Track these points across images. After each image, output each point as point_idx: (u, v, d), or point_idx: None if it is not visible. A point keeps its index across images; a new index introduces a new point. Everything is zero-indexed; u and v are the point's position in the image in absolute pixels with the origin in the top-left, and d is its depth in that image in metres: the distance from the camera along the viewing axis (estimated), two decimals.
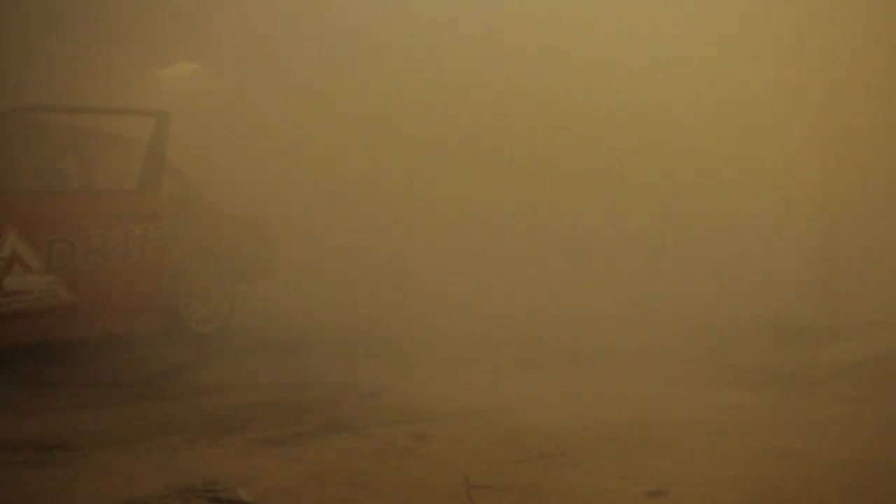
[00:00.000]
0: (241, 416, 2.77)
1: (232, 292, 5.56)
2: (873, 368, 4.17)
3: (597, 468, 2.08)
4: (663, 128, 7.09)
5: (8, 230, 3.88)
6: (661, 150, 7.11)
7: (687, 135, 6.86)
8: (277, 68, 9.03)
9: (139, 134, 5.07)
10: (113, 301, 4.44)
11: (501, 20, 7.68)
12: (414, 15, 7.93)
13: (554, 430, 2.55)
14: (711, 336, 5.52)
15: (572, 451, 2.26)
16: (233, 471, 2.00)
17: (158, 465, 2.06)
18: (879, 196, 5.88)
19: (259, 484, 1.89)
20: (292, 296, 7.73)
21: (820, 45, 5.92)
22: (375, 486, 1.90)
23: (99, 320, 4.41)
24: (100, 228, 4.34)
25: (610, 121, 7.37)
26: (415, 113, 8.49)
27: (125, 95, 7.77)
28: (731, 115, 6.50)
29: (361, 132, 8.93)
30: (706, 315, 6.07)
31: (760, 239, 6.45)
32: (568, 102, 7.54)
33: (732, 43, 6.46)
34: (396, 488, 1.88)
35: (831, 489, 1.92)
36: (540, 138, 7.88)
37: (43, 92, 6.97)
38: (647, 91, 7.07)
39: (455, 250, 8.17)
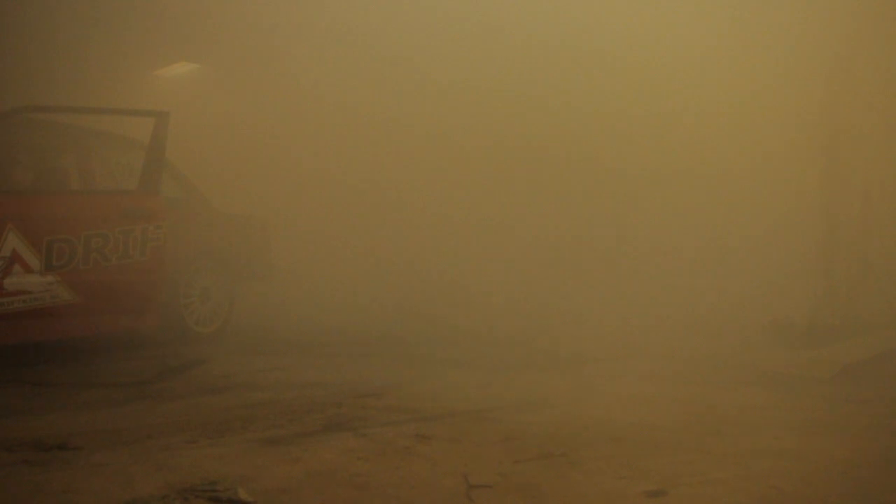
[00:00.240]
0: (241, 416, 2.77)
1: (232, 292, 5.57)
2: (873, 368, 4.17)
3: (597, 468, 2.08)
4: (663, 128, 7.08)
5: (8, 230, 3.88)
6: (661, 151, 7.11)
7: (686, 135, 6.86)
8: (277, 68, 9.03)
9: (139, 134, 5.08)
10: (113, 301, 4.44)
11: (509, 18, 7.68)
12: (418, 12, 7.93)
13: (554, 430, 2.55)
14: (711, 336, 5.52)
15: (572, 451, 2.26)
16: (233, 471, 2.00)
17: (158, 465, 2.06)
18: (879, 196, 5.88)
19: (259, 484, 1.89)
20: (292, 296, 7.73)
21: (819, 46, 5.91)
22: (375, 486, 1.90)
23: (99, 320, 4.41)
24: (100, 228, 4.34)
25: (609, 121, 7.37)
26: (416, 111, 8.49)
27: (125, 95, 7.78)
28: (731, 116, 6.50)
29: (362, 131, 8.93)
30: (706, 315, 6.07)
31: (760, 239, 6.45)
32: (571, 104, 7.55)
33: (731, 45, 6.46)
34: (396, 488, 1.88)
35: (831, 489, 1.92)
36: (545, 137, 7.88)
37: (43, 92, 6.98)
38: (647, 91, 7.07)
39: (457, 249, 8.17)
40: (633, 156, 7.33)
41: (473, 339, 5.65)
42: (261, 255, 6.16)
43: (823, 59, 5.96)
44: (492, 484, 1.92)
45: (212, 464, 2.07)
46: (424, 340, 5.51)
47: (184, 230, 5.06)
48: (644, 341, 5.42)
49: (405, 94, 8.57)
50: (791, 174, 6.25)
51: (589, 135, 7.57)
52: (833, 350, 4.65)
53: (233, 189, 7.26)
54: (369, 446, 2.30)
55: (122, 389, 3.42)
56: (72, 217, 4.25)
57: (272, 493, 1.83)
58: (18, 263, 3.92)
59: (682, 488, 1.90)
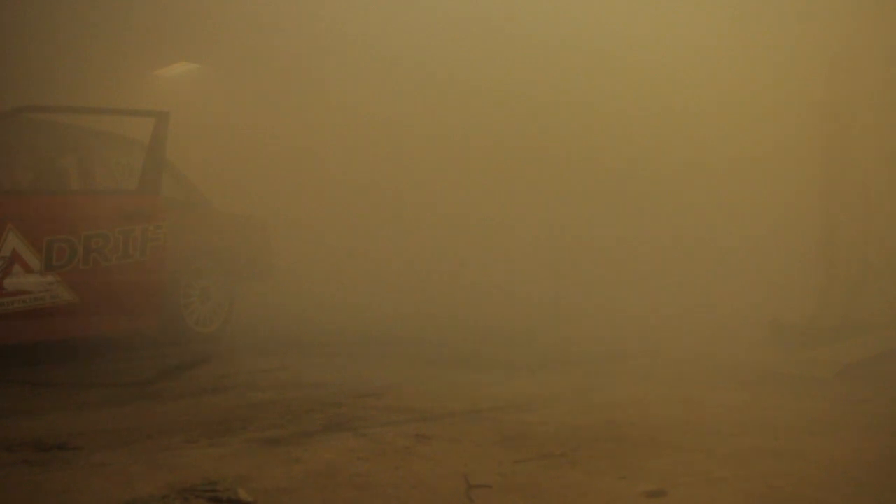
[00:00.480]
0: (241, 416, 2.77)
1: (232, 292, 5.57)
2: (873, 368, 4.17)
3: (597, 468, 2.08)
4: (662, 128, 7.08)
5: (8, 230, 3.88)
6: (660, 151, 7.11)
7: (684, 135, 6.86)
8: (278, 68, 9.03)
9: (139, 134, 5.08)
10: (113, 301, 4.44)
11: (509, 18, 7.68)
12: (418, 12, 7.93)
13: (554, 430, 2.55)
14: (711, 336, 5.52)
15: (572, 451, 2.26)
16: (233, 471, 2.00)
17: (158, 465, 2.06)
18: (879, 196, 5.88)
19: (259, 484, 1.89)
20: (292, 296, 7.73)
21: (819, 46, 5.91)
22: (375, 486, 1.90)
23: (99, 320, 4.41)
24: (100, 228, 4.34)
25: (610, 120, 7.37)
26: (416, 111, 8.49)
27: (125, 95, 7.78)
28: (730, 116, 6.50)
29: (362, 131, 8.94)
30: (706, 315, 6.07)
31: (760, 239, 6.46)
32: (572, 103, 7.55)
33: (730, 45, 6.46)
34: (396, 488, 1.88)
35: (831, 489, 1.92)
36: (545, 136, 7.89)
37: (43, 92, 6.98)
38: (647, 91, 7.07)
39: (457, 249, 8.17)
40: (632, 156, 7.33)
41: (474, 338, 5.65)
42: (261, 255, 6.15)
43: (823, 59, 5.95)
44: (492, 484, 1.92)
45: (212, 464, 2.07)
46: (424, 340, 5.51)
47: (184, 230, 5.06)
48: (642, 341, 5.42)
49: (405, 94, 8.58)
50: (791, 174, 6.25)
51: (589, 134, 7.57)
52: (833, 350, 4.65)
53: (233, 189, 7.25)
54: (369, 446, 2.30)
55: (122, 389, 3.42)
56: (72, 217, 4.25)
57: (272, 493, 1.82)
58: (18, 263, 3.92)
59: (682, 488, 1.90)
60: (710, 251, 6.77)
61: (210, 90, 9.79)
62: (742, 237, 6.62)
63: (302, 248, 8.01)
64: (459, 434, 2.48)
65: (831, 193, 5.85)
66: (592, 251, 7.47)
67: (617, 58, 7.19)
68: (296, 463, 2.10)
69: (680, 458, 2.20)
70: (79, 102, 5.79)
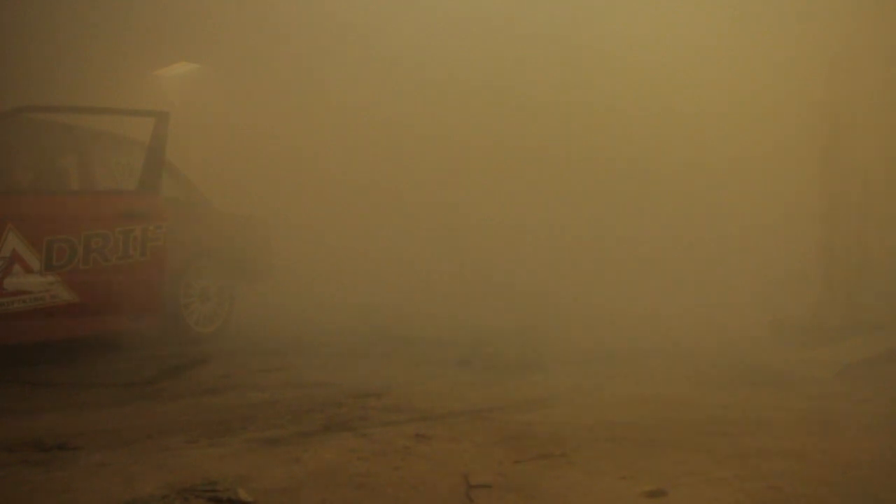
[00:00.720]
0: (241, 416, 2.77)
1: (232, 292, 5.57)
2: (873, 368, 4.17)
3: (597, 468, 2.08)
4: (661, 128, 7.08)
5: (8, 230, 3.88)
6: (659, 150, 7.11)
7: (684, 135, 6.86)
8: (278, 68, 9.03)
9: (139, 134, 5.08)
10: (113, 301, 4.44)
11: (511, 17, 7.68)
12: (419, 12, 7.94)
13: (554, 430, 2.55)
14: (712, 335, 5.52)
15: (572, 451, 2.26)
16: (233, 471, 2.00)
17: (158, 465, 2.06)
18: (879, 196, 5.88)
19: (259, 484, 1.89)
20: (292, 296, 7.73)
21: (819, 45, 5.91)
22: (375, 486, 1.90)
23: (99, 320, 4.41)
24: (100, 228, 4.34)
25: (610, 120, 7.37)
26: (416, 111, 8.49)
27: (125, 95, 7.78)
28: (730, 116, 6.50)
29: (363, 130, 8.94)
30: (707, 315, 6.07)
31: (761, 239, 6.46)
32: (574, 103, 7.55)
33: (731, 43, 6.46)
34: (396, 488, 1.88)
35: (831, 489, 1.92)
36: (546, 136, 7.88)
37: (43, 92, 6.98)
38: (648, 90, 7.07)
39: (457, 250, 8.17)
40: (632, 156, 7.33)
41: (474, 338, 5.65)
42: (261, 255, 6.16)
43: (823, 59, 5.95)
44: (492, 484, 1.92)
45: (212, 464, 2.07)
46: (424, 340, 5.51)
47: (184, 230, 5.06)
48: (642, 341, 5.42)
49: (405, 94, 8.57)
50: (791, 174, 6.25)
51: (589, 134, 7.57)
52: (833, 350, 4.65)
53: (233, 189, 7.25)
54: (369, 446, 2.30)
55: (122, 389, 3.42)
56: (72, 217, 4.25)
57: (272, 493, 1.82)
58: (18, 263, 3.92)
59: (682, 488, 1.90)
60: (710, 251, 6.77)
61: (210, 90, 9.79)
62: (742, 237, 6.62)
63: (302, 248, 8.01)
64: (459, 434, 2.48)
65: (831, 193, 5.85)
66: (592, 251, 7.47)
67: (618, 58, 7.19)
68: (296, 463, 2.10)
69: (680, 458, 2.20)
70: (79, 102, 5.79)
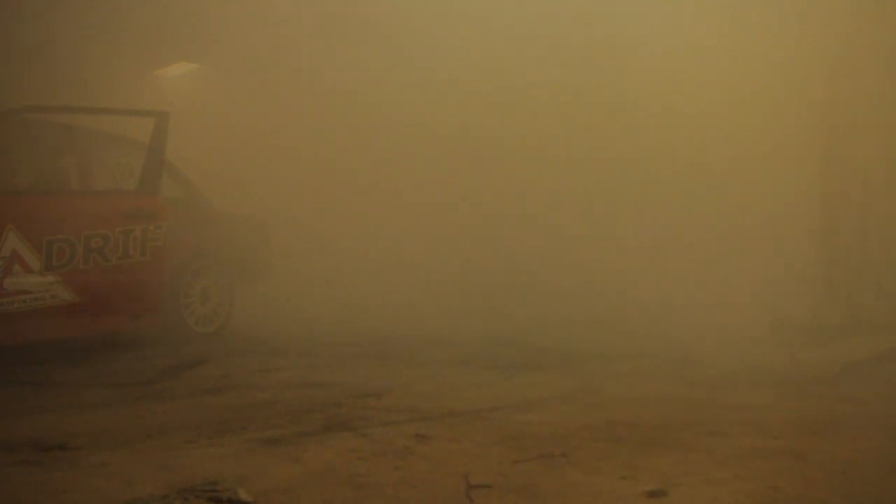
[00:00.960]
0: (241, 416, 2.77)
1: (232, 292, 5.57)
2: (873, 368, 4.17)
3: (597, 468, 2.08)
4: (660, 127, 7.08)
5: (8, 230, 3.88)
6: (657, 150, 7.11)
7: (684, 133, 6.86)
8: (278, 67, 9.03)
9: (139, 134, 5.08)
10: (113, 301, 4.44)
11: (512, 15, 7.68)
12: (419, 10, 7.93)
13: (554, 430, 2.55)
14: (712, 335, 5.52)
15: (572, 451, 2.26)
16: (233, 471, 2.00)
17: (158, 465, 2.06)
18: (879, 196, 5.88)
19: (259, 484, 1.89)
20: (292, 296, 7.73)
21: (819, 44, 5.91)
22: (375, 486, 1.90)
23: (99, 320, 4.42)
24: (100, 228, 4.34)
25: (611, 118, 7.36)
26: (416, 110, 8.48)
27: (125, 96, 7.78)
28: (730, 115, 6.50)
29: (363, 130, 8.93)
30: (706, 315, 6.07)
31: (760, 239, 6.46)
32: (575, 102, 7.55)
33: (731, 41, 6.46)
34: (396, 488, 1.88)
35: (831, 489, 1.92)
36: (546, 135, 7.88)
37: (43, 92, 6.97)
38: (647, 89, 7.07)
39: (456, 250, 8.16)
40: (632, 156, 7.33)
41: (474, 338, 5.65)
42: (261, 255, 6.16)
43: (824, 59, 5.95)
44: (492, 484, 1.92)
45: (212, 464, 2.07)
46: (425, 340, 5.51)
47: (184, 230, 5.07)
48: (643, 342, 5.42)
49: (406, 93, 8.57)
50: (791, 174, 6.25)
51: (589, 134, 7.57)
52: (833, 350, 4.66)
53: (233, 189, 7.26)
54: (369, 446, 2.30)
55: (122, 389, 3.42)
56: (72, 217, 4.26)
57: (272, 493, 1.82)
58: (18, 263, 3.92)
59: (682, 488, 1.90)
60: (709, 251, 6.77)
61: (210, 90, 9.79)
62: (742, 237, 6.62)
63: (302, 247, 8.01)
64: (459, 434, 2.48)
65: (831, 193, 5.85)
66: (592, 251, 7.47)
67: (619, 58, 7.19)
68: (296, 463, 2.10)
69: (680, 458, 2.20)
70: (78, 102, 5.79)
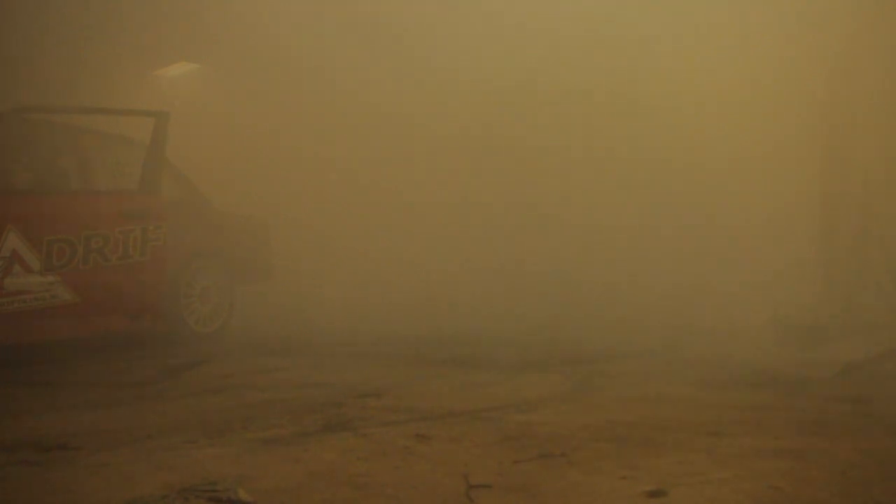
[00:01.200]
0: (241, 416, 2.77)
1: (232, 292, 5.57)
2: (873, 368, 4.17)
3: (597, 468, 2.08)
4: (661, 128, 7.08)
5: (8, 230, 3.88)
6: (659, 150, 7.11)
7: (684, 134, 6.86)
8: (278, 67, 9.03)
9: (139, 134, 5.08)
10: (113, 301, 4.44)
11: (512, 13, 7.68)
12: (423, 9, 7.93)
13: (554, 430, 2.55)
14: (711, 335, 5.52)
15: (572, 451, 2.26)
16: (233, 471, 2.00)
17: (158, 465, 2.06)
18: (879, 196, 5.88)
19: (259, 484, 1.89)
20: (293, 296, 7.74)
21: (820, 42, 5.91)
22: (375, 486, 1.90)
23: (99, 320, 4.42)
24: (100, 228, 4.35)
25: (609, 120, 7.37)
26: (417, 110, 8.48)
27: (125, 95, 7.79)
28: (730, 114, 6.50)
29: (364, 130, 8.93)
30: (706, 314, 6.07)
31: (760, 238, 6.46)
32: (575, 101, 7.55)
33: (731, 40, 6.46)
34: (396, 488, 1.88)
35: (831, 489, 1.92)
36: (545, 137, 7.89)
37: (43, 92, 6.98)
38: (645, 87, 7.06)
39: (456, 250, 8.16)
40: (632, 155, 7.33)
41: (474, 338, 5.65)
42: (261, 256, 6.16)
43: (824, 58, 5.95)
44: (492, 484, 1.92)
45: (212, 464, 2.07)
46: (425, 340, 5.52)
47: (184, 230, 5.07)
48: (643, 342, 5.42)
49: (407, 93, 8.57)
50: (791, 174, 6.25)
51: (588, 134, 7.57)
52: (833, 350, 4.65)
53: (233, 189, 7.26)
54: (369, 446, 2.30)
55: (122, 389, 3.42)
56: (72, 217, 4.26)
57: (272, 493, 1.82)
58: (18, 263, 3.93)
59: (682, 488, 1.90)
60: (709, 251, 6.77)
61: (210, 90, 9.80)
62: (742, 237, 6.62)
63: (302, 248, 8.02)
64: (459, 434, 2.48)
65: (831, 193, 5.85)
66: (592, 251, 7.46)
67: (617, 58, 7.19)
68: (296, 463, 2.10)
69: (680, 458, 2.20)
70: (79, 102, 5.79)
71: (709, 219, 6.83)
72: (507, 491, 1.87)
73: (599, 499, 1.83)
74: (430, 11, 7.94)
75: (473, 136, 8.36)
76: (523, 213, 8.13)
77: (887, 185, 5.86)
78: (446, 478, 1.98)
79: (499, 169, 8.29)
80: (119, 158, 5.15)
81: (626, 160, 7.36)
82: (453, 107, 8.30)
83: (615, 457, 2.21)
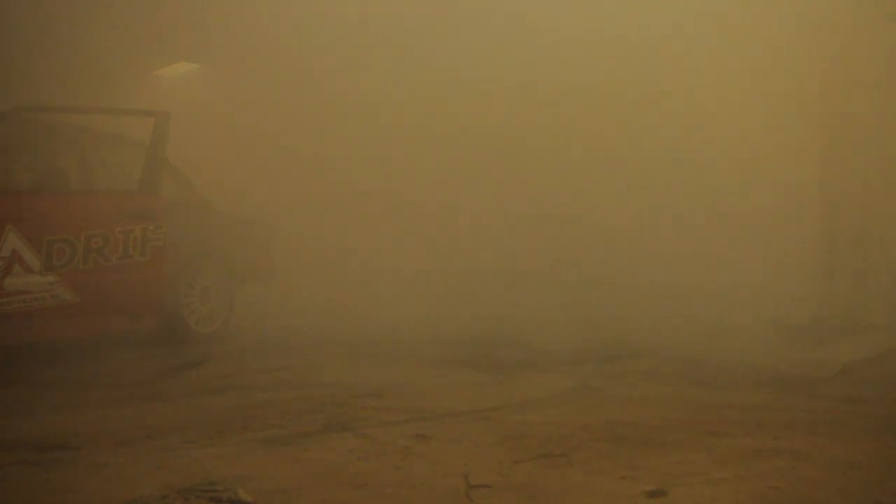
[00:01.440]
0: (241, 416, 2.77)
1: (232, 292, 5.57)
2: (873, 368, 4.17)
3: (597, 468, 2.08)
4: (661, 128, 7.08)
5: (8, 230, 3.88)
6: (657, 149, 7.11)
7: (683, 132, 6.86)
8: (278, 67, 9.03)
9: (139, 134, 5.08)
10: (113, 301, 4.44)
11: (513, 12, 7.68)
12: (425, 10, 7.92)
13: (554, 430, 2.55)
14: (711, 335, 5.52)
15: (572, 451, 2.26)
16: (233, 471, 2.00)
17: (158, 465, 2.06)
18: (879, 196, 5.88)
19: (259, 484, 1.89)
20: (293, 296, 7.73)
21: (819, 41, 5.91)
22: (375, 486, 1.90)
23: (99, 320, 4.42)
24: (100, 228, 4.35)
25: (607, 119, 7.37)
26: (418, 111, 8.48)
27: (125, 95, 7.79)
28: (730, 115, 6.50)
29: (365, 131, 8.93)
30: (706, 314, 6.07)
31: (760, 237, 6.46)
32: (572, 103, 7.55)
33: (731, 38, 6.46)
34: (396, 488, 1.88)
35: (831, 489, 1.92)
36: (545, 137, 7.88)
37: (43, 92, 6.98)
38: (645, 87, 7.06)
39: (457, 251, 8.16)
40: (632, 155, 7.33)
41: (474, 339, 5.64)
42: (261, 256, 6.16)
43: (825, 58, 5.95)
44: (492, 484, 1.92)
45: (212, 464, 2.07)
46: (424, 340, 5.51)
47: (184, 230, 5.07)
48: (643, 342, 5.42)
49: (408, 93, 8.57)
50: (791, 174, 6.25)
51: (588, 134, 7.57)
52: (833, 350, 4.65)
53: (233, 189, 7.26)
54: (369, 446, 2.30)
55: (122, 389, 3.42)
56: (72, 217, 4.26)
57: (272, 493, 1.82)
58: (18, 263, 3.92)
59: (682, 488, 1.90)
60: (709, 250, 6.76)
61: (210, 90, 9.80)
62: (742, 237, 6.61)
63: (302, 248, 8.01)
64: (459, 434, 2.48)
65: (831, 194, 5.85)
66: (592, 251, 7.46)
67: (616, 58, 7.19)
68: (296, 463, 2.10)
69: (680, 458, 2.20)
70: (79, 102, 5.79)
71: (709, 218, 6.83)
72: (507, 491, 1.87)
73: (599, 499, 1.83)
74: (430, 11, 7.93)
75: (473, 136, 8.35)
76: (523, 215, 8.12)
77: (887, 185, 5.86)
78: (446, 478, 1.98)
79: (499, 169, 8.28)
80: (119, 158, 5.15)
81: (626, 160, 7.36)
82: (453, 107, 8.29)
83: (615, 457, 2.21)
